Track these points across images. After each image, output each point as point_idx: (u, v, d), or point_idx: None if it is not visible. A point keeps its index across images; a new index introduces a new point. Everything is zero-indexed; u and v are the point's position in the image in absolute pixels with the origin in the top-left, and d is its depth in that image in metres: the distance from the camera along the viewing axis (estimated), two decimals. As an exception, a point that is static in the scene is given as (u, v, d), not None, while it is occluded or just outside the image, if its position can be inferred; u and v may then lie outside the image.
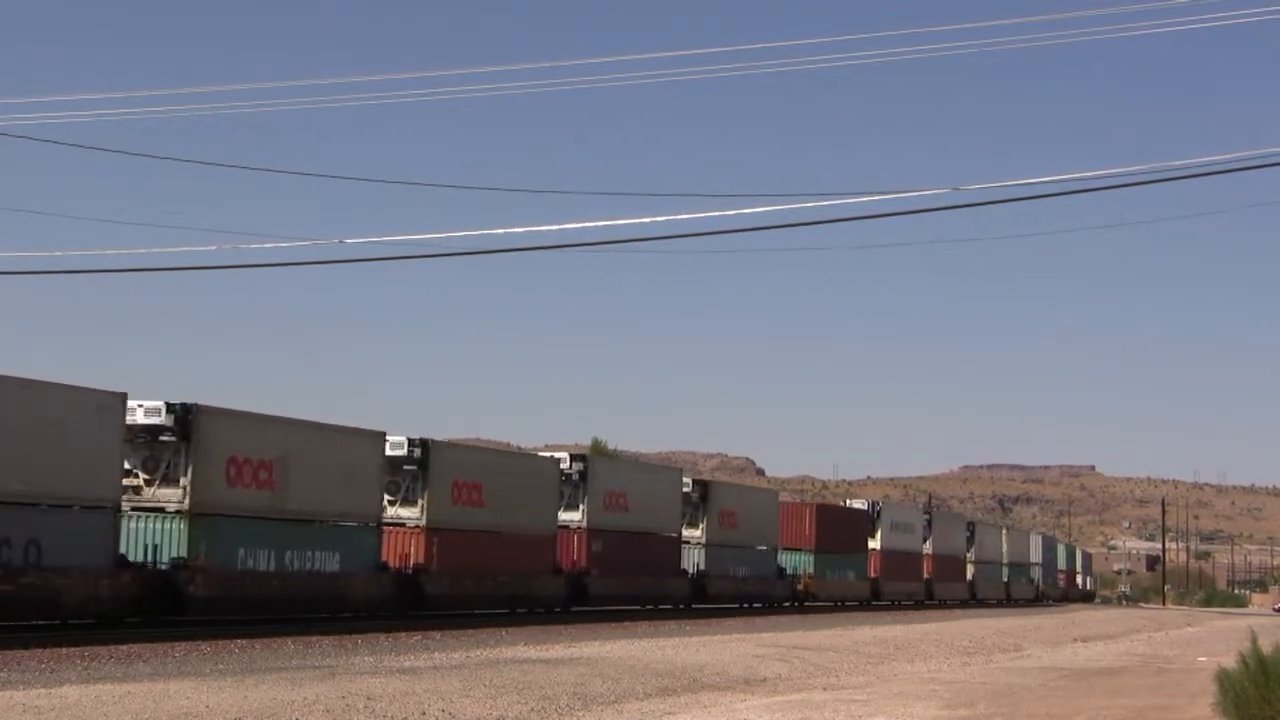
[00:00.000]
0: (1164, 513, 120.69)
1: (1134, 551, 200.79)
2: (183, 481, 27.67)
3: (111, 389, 26.91)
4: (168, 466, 27.80)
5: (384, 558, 33.29)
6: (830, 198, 24.63)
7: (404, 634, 28.38)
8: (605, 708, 17.37)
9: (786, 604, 51.58)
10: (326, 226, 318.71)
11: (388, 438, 33.44)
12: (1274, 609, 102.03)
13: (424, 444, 34.33)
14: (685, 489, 46.63)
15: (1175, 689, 21.82)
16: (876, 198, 25.60)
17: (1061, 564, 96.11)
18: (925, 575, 65.88)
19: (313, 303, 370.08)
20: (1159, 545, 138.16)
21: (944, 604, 65.76)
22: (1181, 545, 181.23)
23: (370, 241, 40.32)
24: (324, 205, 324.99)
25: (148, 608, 26.77)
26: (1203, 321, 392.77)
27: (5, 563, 23.83)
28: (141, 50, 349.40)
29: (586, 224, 26.91)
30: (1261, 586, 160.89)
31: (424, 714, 15.51)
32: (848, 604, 56.21)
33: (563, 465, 40.13)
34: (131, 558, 27.07)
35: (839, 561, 56.62)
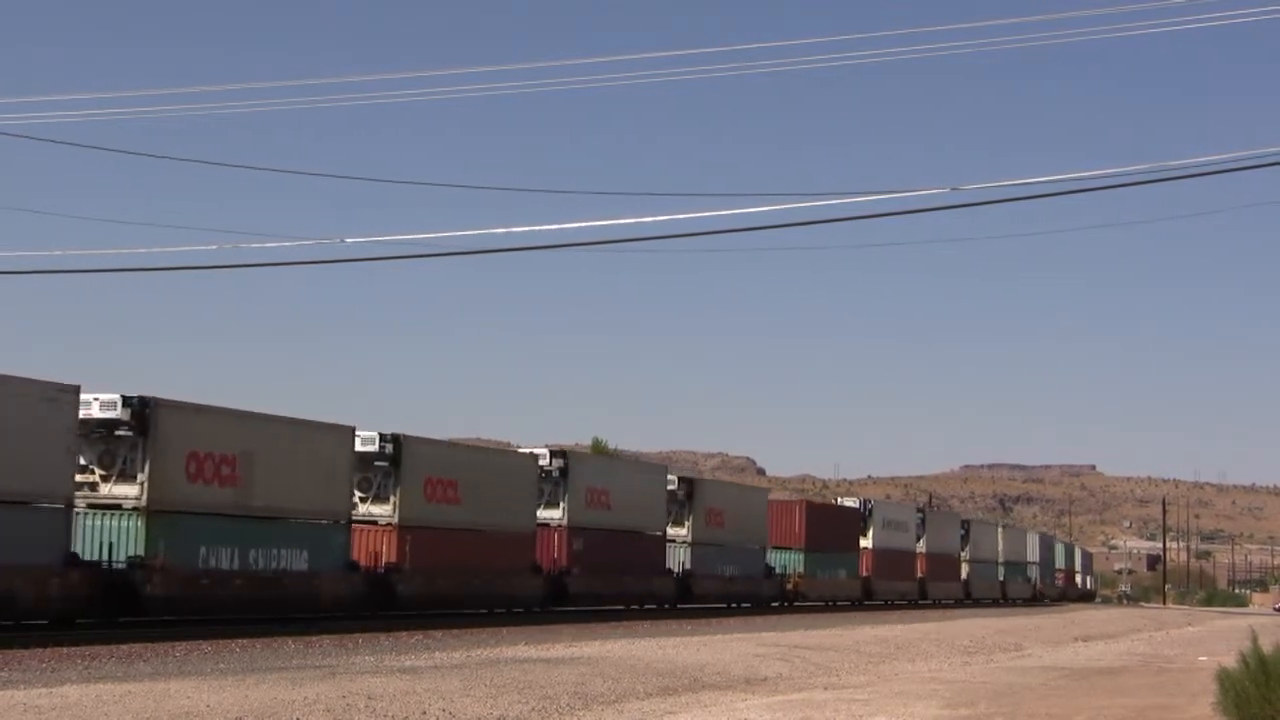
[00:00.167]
0: (1164, 512, 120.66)
1: (1135, 551, 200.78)
2: (140, 477, 26.75)
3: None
4: (125, 462, 26.90)
5: (354, 556, 32.45)
6: (829, 198, 24.63)
7: (404, 633, 28.38)
8: (606, 707, 17.37)
9: (775, 604, 50.76)
10: (326, 226, 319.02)
11: (358, 433, 32.63)
12: (1274, 608, 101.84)
13: (396, 439, 33.55)
14: (670, 486, 45.84)
15: (1176, 688, 21.80)
16: (875, 197, 25.62)
17: (1060, 563, 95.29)
18: (919, 574, 65.12)
19: (312, 303, 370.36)
20: (1160, 545, 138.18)
21: (938, 603, 64.99)
22: (1182, 545, 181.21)
23: (370, 241, 40.35)
24: (324, 205, 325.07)
25: (102, 608, 25.83)
26: (1203, 321, 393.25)
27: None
28: (141, 50, 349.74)
29: (586, 223, 26.97)
30: (1262, 586, 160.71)
31: (425, 713, 15.51)
32: (839, 603, 55.37)
33: (542, 462, 39.24)
34: (86, 556, 26.14)
35: (830, 560, 55.75)
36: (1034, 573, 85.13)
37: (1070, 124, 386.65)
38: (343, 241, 30.55)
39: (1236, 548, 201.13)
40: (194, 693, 15.79)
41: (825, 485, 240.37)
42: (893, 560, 61.80)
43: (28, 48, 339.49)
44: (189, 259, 34.30)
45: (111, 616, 25.88)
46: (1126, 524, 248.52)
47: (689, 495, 46.93)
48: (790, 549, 53.33)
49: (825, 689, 20.89)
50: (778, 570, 51.98)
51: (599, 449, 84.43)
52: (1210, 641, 41.22)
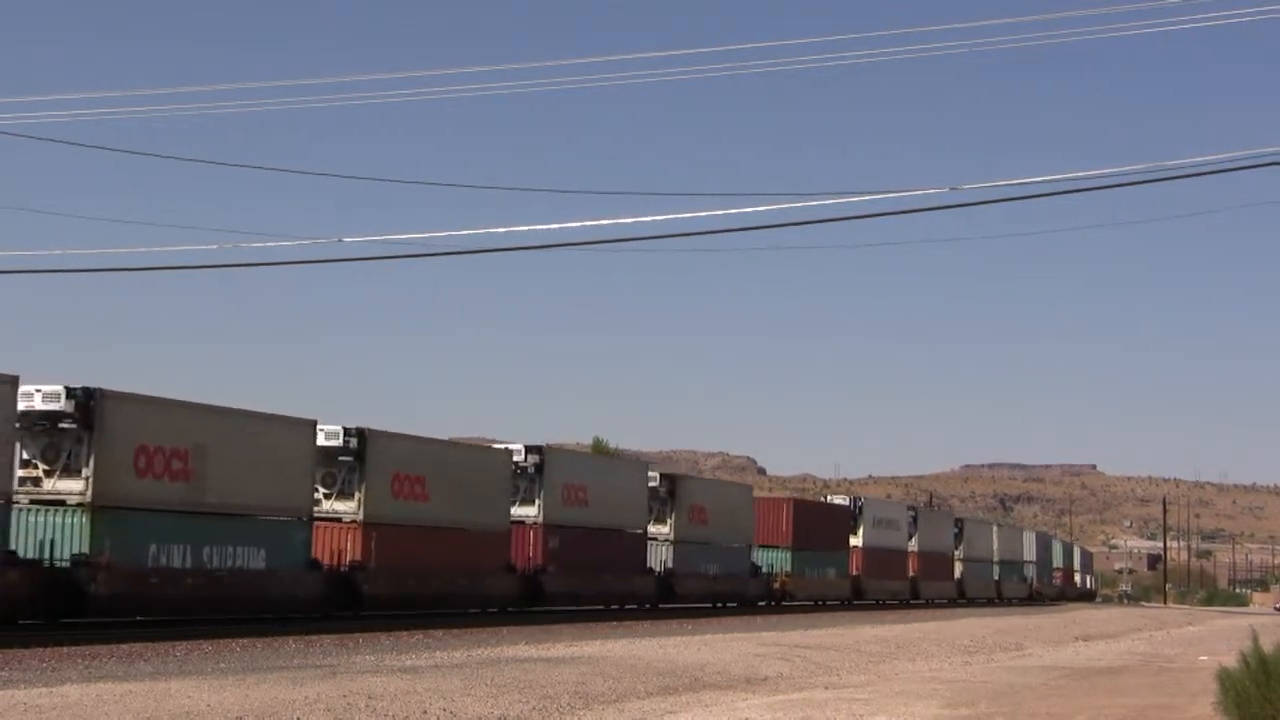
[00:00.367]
0: (1165, 512, 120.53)
1: (1135, 550, 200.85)
2: (85, 472, 25.66)
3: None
4: (69, 456, 25.77)
5: (317, 555, 31.35)
6: (827, 197, 24.62)
7: (405, 633, 28.36)
8: (607, 707, 17.38)
9: (762, 603, 49.77)
10: (324, 226, 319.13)
11: (321, 427, 31.55)
12: (1275, 608, 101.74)
13: (361, 433, 32.46)
14: (652, 483, 44.73)
15: (1176, 688, 21.79)
16: (873, 197, 25.65)
17: (1058, 562, 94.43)
18: (910, 573, 64.01)
19: (311, 302, 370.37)
20: (1160, 544, 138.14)
21: (931, 603, 64.15)
22: (1183, 544, 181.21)
23: (368, 241, 40.42)
24: (322, 205, 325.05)
25: (44, 608, 24.90)
26: (1202, 321, 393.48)
27: None
28: (141, 50, 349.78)
29: (586, 223, 26.74)
30: (1263, 585, 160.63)
31: (425, 713, 15.52)
32: (828, 603, 54.46)
33: (516, 457, 38.12)
34: (26, 554, 25.13)
35: (818, 559, 54.67)
36: (1031, 572, 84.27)
37: (1068, 124, 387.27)
38: (340, 241, 30.55)
39: (1237, 547, 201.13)
40: (194, 692, 15.80)
41: (826, 485, 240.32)
42: (884, 559, 60.73)
43: (28, 48, 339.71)
44: (189, 259, 34.29)
45: (54, 617, 24.98)
46: (1127, 523, 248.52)
47: (671, 492, 45.78)
48: (777, 547, 52.30)
49: (826, 688, 20.91)
50: (764, 569, 51.06)
51: (599, 449, 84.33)
52: (1211, 641, 41.25)
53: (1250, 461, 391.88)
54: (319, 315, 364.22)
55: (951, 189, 24.52)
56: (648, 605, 42.95)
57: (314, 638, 25.97)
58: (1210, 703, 14.80)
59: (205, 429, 28.21)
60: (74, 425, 25.87)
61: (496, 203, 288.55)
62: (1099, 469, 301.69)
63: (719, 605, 47.32)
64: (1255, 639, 13.87)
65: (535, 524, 38.52)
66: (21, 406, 25.18)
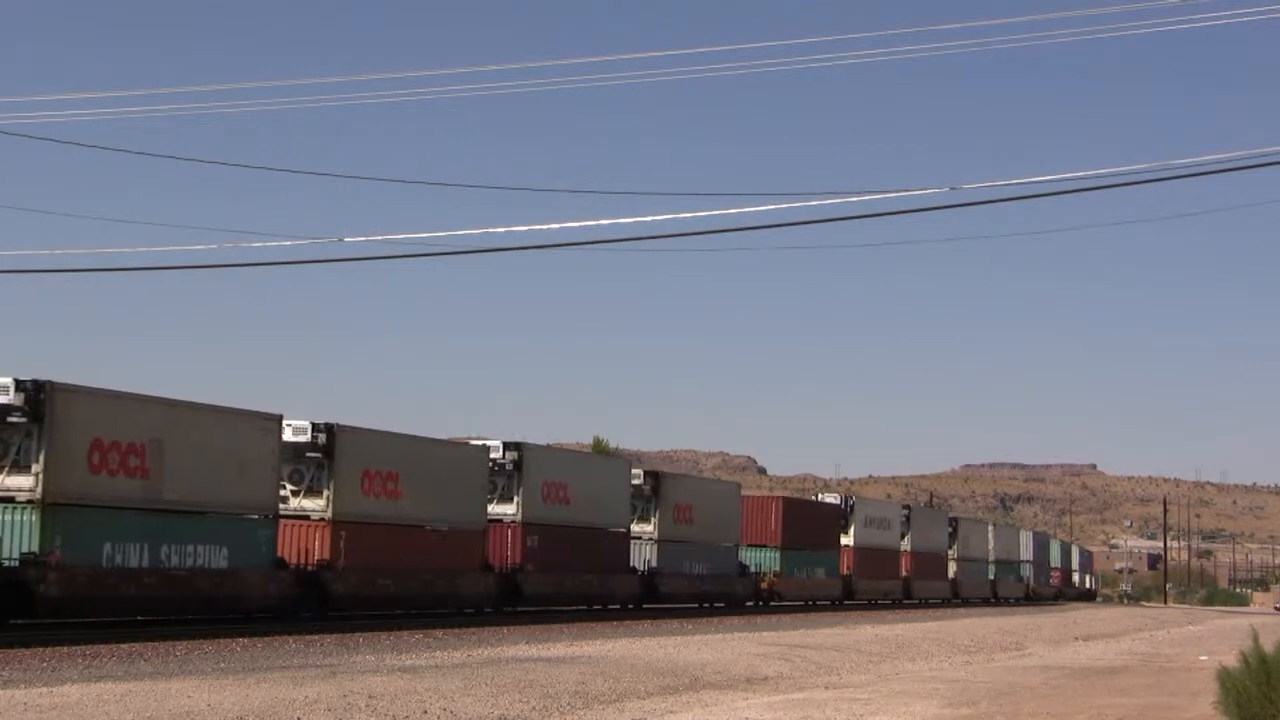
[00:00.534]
0: (1165, 511, 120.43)
1: (1135, 550, 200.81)
2: (35, 468, 24.69)
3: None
4: (18, 451, 24.82)
5: (283, 553, 30.43)
6: (829, 197, 24.63)
7: (405, 632, 28.37)
8: (607, 706, 17.40)
9: (750, 603, 48.99)
10: (325, 226, 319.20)
11: (289, 422, 30.70)
12: (1275, 607, 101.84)
13: (329, 429, 31.49)
14: (635, 481, 43.86)
15: (1177, 688, 21.79)
16: (875, 197, 25.66)
17: (1055, 561, 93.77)
18: (903, 573, 63.24)
19: (310, 302, 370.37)
20: (1160, 544, 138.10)
21: (924, 603, 63.52)
22: (1183, 544, 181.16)
23: (369, 240, 40.43)
24: (323, 205, 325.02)
25: None
26: (1203, 321, 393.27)
27: None
28: (141, 50, 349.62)
29: (586, 223, 26.82)
30: (1263, 585, 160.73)
31: (425, 713, 15.53)
32: (818, 603, 53.66)
33: (494, 454, 37.27)
34: None
35: (808, 558, 53.75)
36: (1027, 572, 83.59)
37: (1068, 124, 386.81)
38: (341, 241, 30.54)
39: (1237, 547, 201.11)
40: (195, 692, 15.81)
41: (826, 484, 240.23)
42: (875, 558, 59.90)
43: (28, 47, 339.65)
44: (189, 258, 34.25)
45: (2, 618, 24.07)
46: (1127, 523, 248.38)
47: (655, 490, 44.78)
48: (766, 547, 51.52)
49: (826, 688, 20.92)
50: (752, 569, 50.27)
51: (600, 449, 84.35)
52: (1211, 640, 41.28)
53: (1250, 461, 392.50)
54: (319, 315, 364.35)
55: (951, 189, 24.52)
56: (630, 606, 42.06)
57: (314, 637, 25.97)
58: (1211, 702, 14.78)
59: (163, 423, 27.19)
60: (23, 419, 24.95)
61: (496, 203, 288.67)
62: (1099, 469, 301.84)
63: (705, 605, 46.47)
64: (1255, 638, 13.86)
65: (513, 522, 37.68)
66: None
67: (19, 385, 24.68)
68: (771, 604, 49.86)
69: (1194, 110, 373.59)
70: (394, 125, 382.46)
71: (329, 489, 31.48)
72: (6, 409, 24.82)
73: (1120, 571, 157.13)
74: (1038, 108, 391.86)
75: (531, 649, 24.99)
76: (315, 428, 31.27)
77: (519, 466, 37.71)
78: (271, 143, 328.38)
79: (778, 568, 51.43)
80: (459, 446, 37.60)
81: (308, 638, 25.77)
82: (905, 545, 63.94)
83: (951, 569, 70.47)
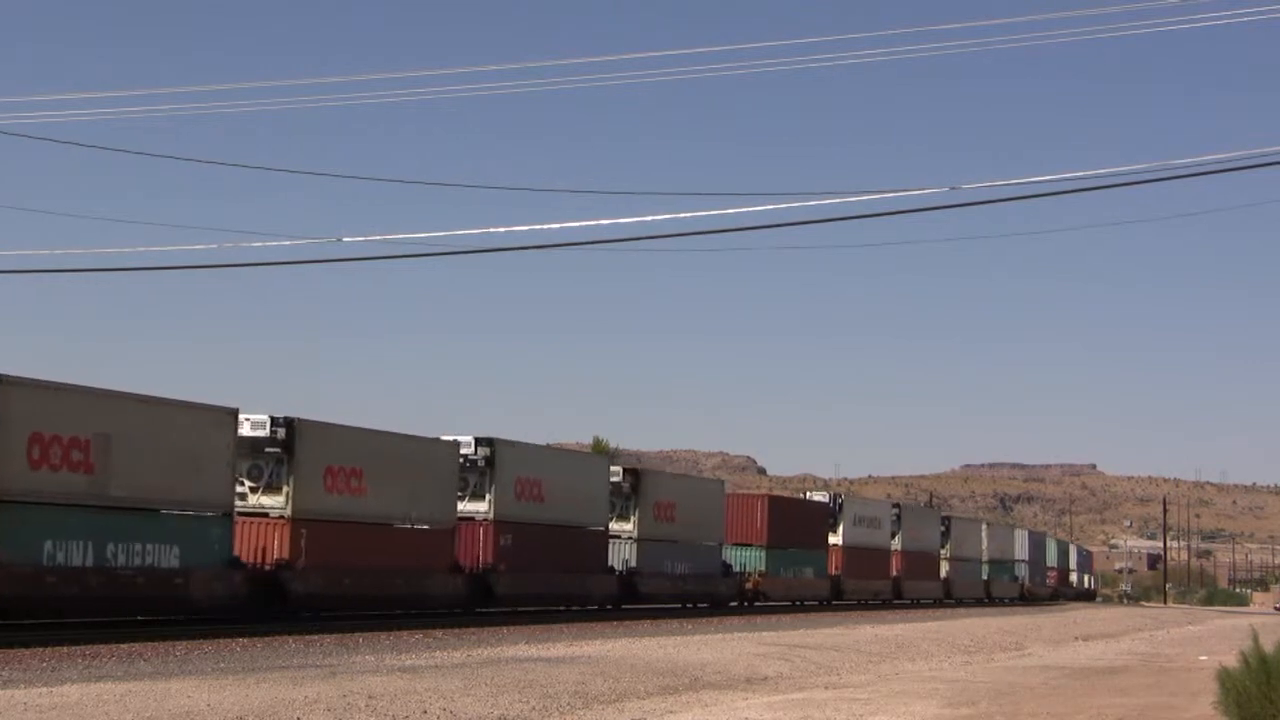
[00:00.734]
0: (1165, 511, 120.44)
1: (1135, 550, 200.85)
2: None
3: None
4: None
5: (239, 552, 29.13)
6: (829, 197, 24.63)
7: (405, 632, 28.29)
8: (607, 706, 17.39)
9: (734, 604, 47.85)
10: (325, 226, 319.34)
11: (246, 416, 29.51)
12: (1275, 607, 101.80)
13: (289, 423, 30.26)
14: (614, 478, 42.45)
15: (1177, 688, 21.80)
16: (875, 196, 25.68)
17: (1052, 561, 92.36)
18: (893, 573, 61.79)
19: (311, 302, 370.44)
20: (1160, 544, 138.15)
21: (916, 603, 62.53)
22: (1183, 544, 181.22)
23: (369, 240, 40.41)
24: (323, 205, 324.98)
25: None
26: (1203, 321, 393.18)
27: None
28: (140, 50, 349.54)
29: (586, 223, 26.78)
30: (1263, 585, 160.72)
31: (425, 713, 15.53)
32: (806, 604, 52.49)
33: (465, 450, 35.85)
34: None
35: (795, 558, 52.46)
36: (1022, 571, 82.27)
37: (1068, 124, 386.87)
38: (340, 241, 30.56)
39: (1237, 547, 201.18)
40: (194, 692, 15.80)
41: (826, 484, 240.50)
42: (865, 558, 58.67)
43: (28, 48, 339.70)
44: (189, 259, 34.28)
45: None
46: (1127, 523, 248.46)
47: (635, 488, 43.41)
48: (751, 546, 50.33)
49: (826, 688, 20.92)
50: (737, 568, 49.13)
51: (600, 449, 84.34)
52: (1211, 640, 41.26)
53: (1250, 461, 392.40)
54: (318, 315, 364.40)
55: (951, 189, 24.53)
56: (609, 606, 40.87)
57: (314, 637, 25.89)
58: (1210, 702, 14.80)
59: (110, 417, 25.93)
60: None
61: (496, 203, 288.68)
62: (1099, 469, 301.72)
63: (687, 606, 45.46)
64: (1255, 638, 13.87)
65: (485, 521, 36.39)
66: None
67: None
68: (756, 604, 48.91)
69: (1194, 110, 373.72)
70: (393, 125, 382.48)
71: (289, 485, 30.27)
72: None
73: (1120, 571, 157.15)
74: (1037, 108, 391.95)
75: (531, 649, 24.99)
76: (274, 421, 30.17)
77: (491, 463, 36.43)
78: (271, 143, 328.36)
79: (763, 567, 50.34)
80: (427, 442, 35.75)
81: (307, 638, 25.70)
82: (896, 544, 62.84)
83: (944, 569, 69.25)
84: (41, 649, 20.94)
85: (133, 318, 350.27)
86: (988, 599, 74.09)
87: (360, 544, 32.01)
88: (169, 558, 27.07)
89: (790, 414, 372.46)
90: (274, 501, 30.35)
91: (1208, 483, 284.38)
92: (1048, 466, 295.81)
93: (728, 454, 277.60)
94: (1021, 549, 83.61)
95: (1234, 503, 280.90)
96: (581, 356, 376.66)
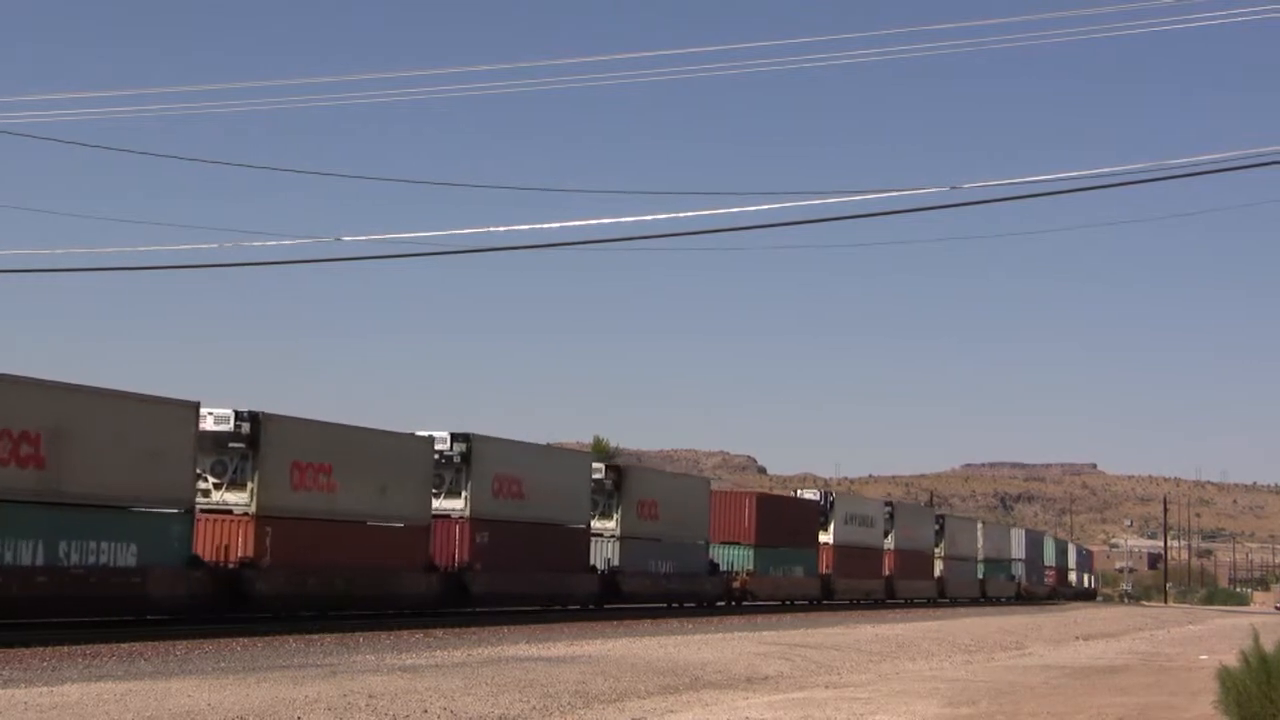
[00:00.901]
0: (1165, 511, 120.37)
1: (1136, 549, 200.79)
2: None
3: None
4: None
5: (200, 550, 28.22)
6: (829, 196, 24.64)
7: (405, 632, 28.31)
8: (607, 705, 17.38)
9: (720, 603, 47.08)
10: (325, 225, 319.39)
11: (210, 410, 28.64)
12: (1275, 607, 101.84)
13: (254, 417, 29.41)
14: (596, 475, 41.72)
15: (1177, 687, 21.80)
16: (875, 196, 25.69)
17: (1049, 560, 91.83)
18: (886, 572, 61.24)
19: (309, 302, 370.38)
20: (1161, 543, 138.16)
21: (909, 603, 61.92)
22: (1183, 543, 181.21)
23: (369, 240, 40.42)
24: (323, 204, 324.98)
25: None
26: (1203, 321, 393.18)
27: None
28: (141, 50, 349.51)
29: (586, 222, 26.77)
30: (1263, 585, 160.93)
31: (426, 712, 15.52)
32: (796, 603, 51.76)
33: (440, 445, 34.98)
34: None
35: (784, 557, 51.70)
36: (1019, 570, 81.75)
37: (1068, 124, 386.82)
38: (340, 240, 30.54)
39: (1237, 546, 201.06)
40: (195, 691, 15.79)
41: (826, 484, 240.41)
42: (856, 557, 57.90)
43: (28, 48, 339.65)
44: (189, 258, 34.24)
45: None
46: (1128, 522, 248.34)
47: (617, 485, 42.60)
48: (739, 544, 49.54)
49: (827, 687, 20.92)
50: (723, 567, 48.34)
51: (600, 449, 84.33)
52: (1211, 640, 41.26)
53: (1250, 461, 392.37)
54: (316, 314, 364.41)
55: (951, 189, 24.53)
56: (591, 606, 40.06)
57: (314, 637, 25.90)
58: (1211, 702, 14.80)
59: (63, 410, 24.95)
60: None
61: (496, 203, 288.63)
62: (1099, 468, 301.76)
63: (673, 606, 44.57)
64: (1256, 638, 13.87)
65: (461, 518, 35.50)
66: None
67: None
68: (744, 604, 48.15)
69: (1190, 110, 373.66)
70: (394, 125, 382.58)
71: (253, 481, 29.34)
72: None
73: (1120, 571, 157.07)
74: (1033, 108, 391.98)
75: (532, 648, 24.98)
76: (238, 416, 29.35)
77: (468, 459, 35.51)
78: (270, 143, 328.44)
79: (751, 566, 49.50)
80: (400, 437, 34.85)
81: (308, 637, 25.67)
82: (889, 543, 62.25)
83: (938, 568, 68.63)
84: (42, 648, 20.92)
85: (133, 318, 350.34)
86: (983, 598, 73.59)
87: (329, 542, 31.11)
88: (126, 556, 26.11)
89: (791, 414, 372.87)
90: (238, 498, 29.49)
91: (1208, 482, 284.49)
92: (1048, 466, 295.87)
93: (728, 453, 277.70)
94: (1018, 548, 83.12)
95: (1234, 502, 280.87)
96: (582, 356, 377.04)
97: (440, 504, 35.20)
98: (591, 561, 41.34)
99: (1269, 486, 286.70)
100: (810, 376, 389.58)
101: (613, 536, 42.57)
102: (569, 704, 17.21)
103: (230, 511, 29.42)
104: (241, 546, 29.18)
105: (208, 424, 28.73)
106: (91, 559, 25.34)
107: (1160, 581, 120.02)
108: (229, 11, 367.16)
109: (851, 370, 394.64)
